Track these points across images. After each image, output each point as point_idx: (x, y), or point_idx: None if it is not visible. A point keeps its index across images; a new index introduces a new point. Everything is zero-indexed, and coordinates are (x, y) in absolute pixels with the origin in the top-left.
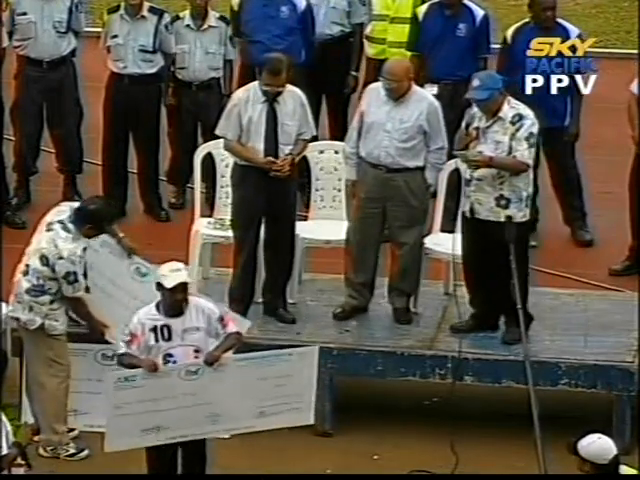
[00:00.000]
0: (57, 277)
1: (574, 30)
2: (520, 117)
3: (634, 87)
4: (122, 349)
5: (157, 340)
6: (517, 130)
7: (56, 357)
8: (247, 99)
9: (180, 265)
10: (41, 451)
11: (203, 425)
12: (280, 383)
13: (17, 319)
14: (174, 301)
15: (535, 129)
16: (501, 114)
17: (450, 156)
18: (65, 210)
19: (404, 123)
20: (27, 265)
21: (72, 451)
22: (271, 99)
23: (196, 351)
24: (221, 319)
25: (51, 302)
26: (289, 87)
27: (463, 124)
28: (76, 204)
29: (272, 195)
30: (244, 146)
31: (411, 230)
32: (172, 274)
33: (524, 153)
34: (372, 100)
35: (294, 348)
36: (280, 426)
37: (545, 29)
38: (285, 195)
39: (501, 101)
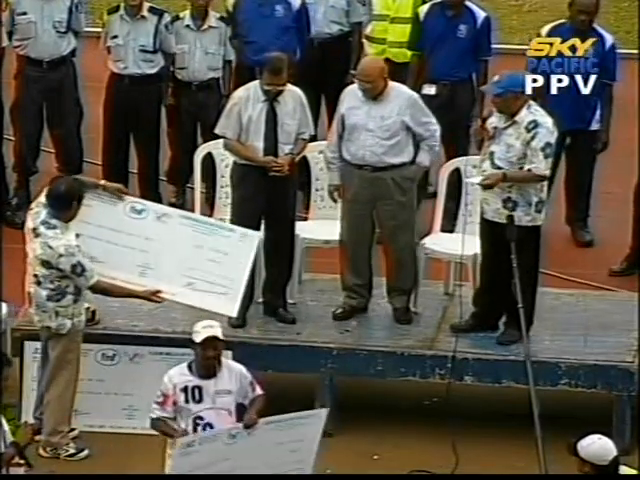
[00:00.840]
0: (67, 274)
1: (609, 39)
2: (536, 125)
3: None
4: (155, 413)
5: (187, 401)
6: (532, 138)
7: (72, 359)
8: (247, 98)
9: (214, 323)
10: (41, 451)
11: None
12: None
13: (48, 327)
14: (206, 358)
15: (552, 138)
16: (517, 118)
17: (450, 156)
18: (39, 210)
19: (385, 120)
20: (35, 275)
21: (72, 451)
22: (272, 98)
23: (229, 414)
24: (251, 383)
25: (75, 302)
26: (289, 86)
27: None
28: (43, 199)
29: (272, 195)
30: (244, 145)
31: (403, 227)
32: (204, 330)
33: (540, 165)
34: (351, 102)
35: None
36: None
37: (579, 31)
38: (285, 195)
39: (519, 105)
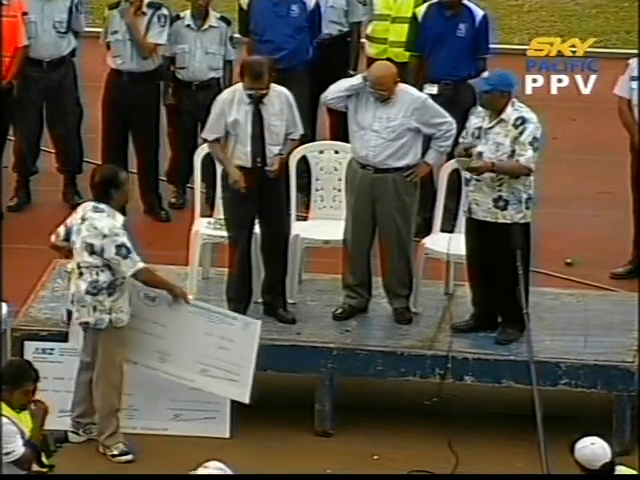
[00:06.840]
0: (109, 261)
1: None
2: (523, 120)
3: (619, 90)
4: None
5: None
6: (520, 134)
7: (117, 361)
8: (232, 101)
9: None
10: (100, 449)
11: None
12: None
13: (86, 323)
14: None
15: (539, 133)
16: (504, 116)
17: (450, 156)
18: (87, 204)
19: (391, 122)
20: (79, 266)
21: (115, 452)
22: (257, 100)
23: None
24: None
25: (110, 295)
26: (275, 87)
27: (471, 129)
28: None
29: (262, 195)
30: (224, 152)
31: (399, 230)
32: None
33: (528, 157)
34: (360, 100)
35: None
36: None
37: None
38: (275, 194)
39: (504, 103)
